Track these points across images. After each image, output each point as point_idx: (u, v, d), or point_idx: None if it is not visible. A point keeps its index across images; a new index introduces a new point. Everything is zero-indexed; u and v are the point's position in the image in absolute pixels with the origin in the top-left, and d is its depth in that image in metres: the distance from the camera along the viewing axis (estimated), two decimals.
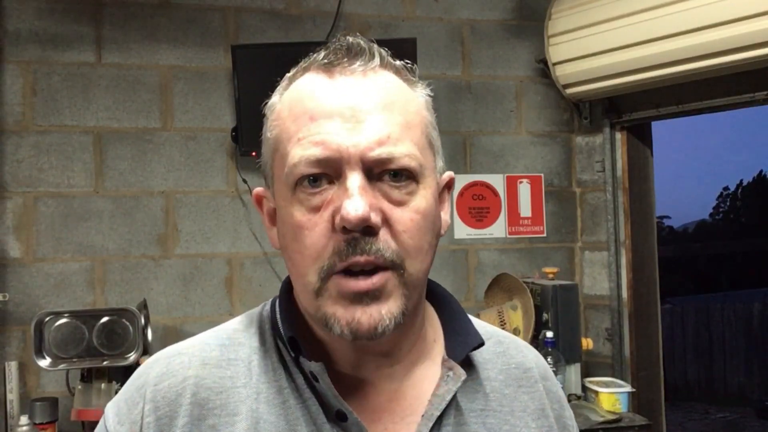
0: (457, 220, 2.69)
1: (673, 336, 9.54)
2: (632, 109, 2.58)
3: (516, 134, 2.75)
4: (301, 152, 0.61)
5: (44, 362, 1.87)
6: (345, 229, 0.59)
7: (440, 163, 0.69)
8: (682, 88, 2.35)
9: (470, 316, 0.75)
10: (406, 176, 0.62)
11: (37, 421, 1.98)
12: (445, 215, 0.70)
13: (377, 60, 0.65)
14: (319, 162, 0.60)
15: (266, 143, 0.68)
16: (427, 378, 0.69)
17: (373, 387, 0.67)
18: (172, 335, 2.39)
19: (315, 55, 0.66)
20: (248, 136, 2.35)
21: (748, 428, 7.97)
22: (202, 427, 0.63)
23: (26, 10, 2.35)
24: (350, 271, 0.60)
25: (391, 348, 0.67)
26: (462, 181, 2.68)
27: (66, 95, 2.37)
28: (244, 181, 2.47)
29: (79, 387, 1.93)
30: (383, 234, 0.60)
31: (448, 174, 0.72)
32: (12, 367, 2.20)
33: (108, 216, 2.39)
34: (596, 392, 2.26)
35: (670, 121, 2.56)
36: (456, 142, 2.68)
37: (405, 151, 0.61)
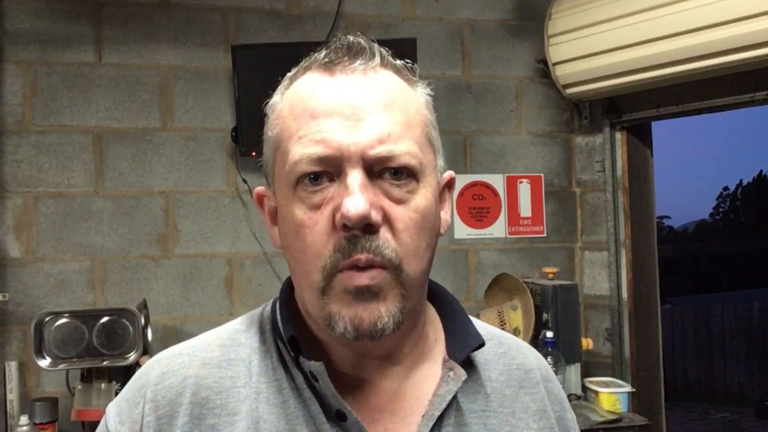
0: (457, 220, 2.69)
1: (673, 336, 9.55)
2: (632, 109, 2.58)
3: (516, 134, 2.75)
4: (302, 150, 0.61)
5: (44, 362, 1.87)
6: (345, 227, 0.59)
7: (441, 163, 0.69)
8: (682, 88, 2.35)
9: (471, 317, 0.75)
10: (406, 174, 0.62)
11: (37, 421, 1.98)
12: (445, 214, 0.70)
13: (378, 59, 0.65)
14: (320, 160, 0.60)
15: (267, 142, 0.68)
16: (428, 378, 0.69)
17: (373, 387, 0.67)
18: (172, 335, 2.39)
19: (316, 54, 0.67)
20: (248, 136, 2.35)
21: (748, 428, 7.98)
22: (202, 426, 0.63)
23: (26, 10, 2.35)
24: (353, 267, 0.60)
25: (391, 350, 0.67)
26: (462, 181, 2.68)
27: (66, 95, 2.37)
28: (244, 181, 2.47)
29: (79, 387, 1.93)
30: (383, 232, 0.61)
31: (449, 173, 0.72)
32: (12, 367, 2.20)
33: (108, 216, 2.39)
34: (596, 392, 2.26)
35: (670, 121, 2.56)
36: (456, 142, 2.68)
37: (405, 149, 0.61)
